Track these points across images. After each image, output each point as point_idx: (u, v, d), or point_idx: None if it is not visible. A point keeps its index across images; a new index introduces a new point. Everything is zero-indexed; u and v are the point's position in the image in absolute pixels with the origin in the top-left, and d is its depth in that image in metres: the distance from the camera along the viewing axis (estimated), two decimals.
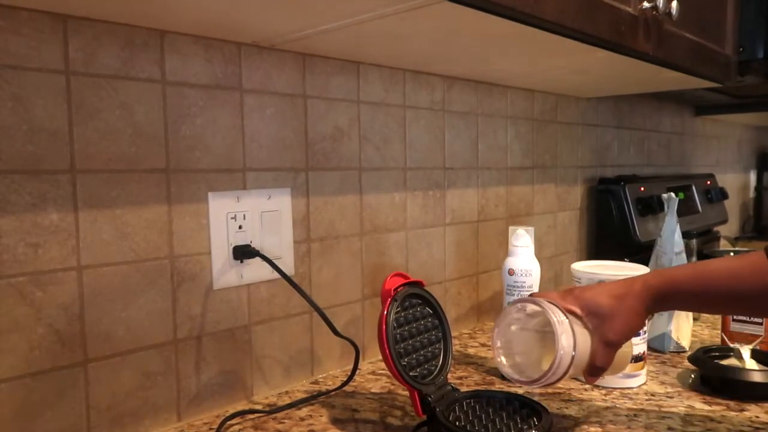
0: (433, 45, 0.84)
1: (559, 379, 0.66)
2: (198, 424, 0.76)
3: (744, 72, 1.28)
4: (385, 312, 0.71)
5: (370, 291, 1.00)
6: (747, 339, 0.96)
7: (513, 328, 0.72)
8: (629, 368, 0.85)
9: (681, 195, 1.74)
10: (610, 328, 0.66)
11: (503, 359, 0.70)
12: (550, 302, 0.67)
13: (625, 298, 0.67)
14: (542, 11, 0.69)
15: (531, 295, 0.72)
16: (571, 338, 0.65)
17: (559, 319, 0.65)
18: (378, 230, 1.00)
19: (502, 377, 0.90)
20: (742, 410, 0.78)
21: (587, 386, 0.86)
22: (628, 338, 0.68)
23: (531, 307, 0.69)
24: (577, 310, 0.68)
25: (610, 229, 1.52)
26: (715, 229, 1.94)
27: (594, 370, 0.68)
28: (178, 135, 0.74)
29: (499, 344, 0.71)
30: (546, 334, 0.68)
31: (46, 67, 0.64)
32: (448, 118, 1.12)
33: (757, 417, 0.76)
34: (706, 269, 0.66)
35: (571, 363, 0.65)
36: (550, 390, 0.85)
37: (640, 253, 1.40)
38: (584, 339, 0.66)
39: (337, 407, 0.81)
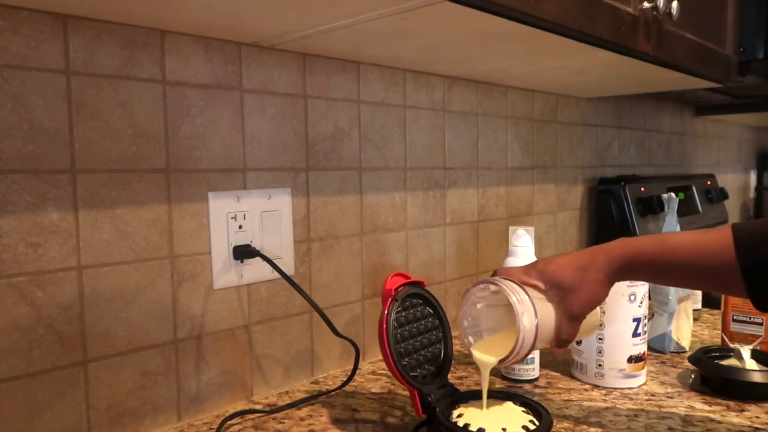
0: (434, 45, 0.84)
1: (525, 356, 0.66)
2: (198, 424, 0.76)
3: (744, 72, 1.27)
4: (386, 312, 0.71)
5: (370, 291, 1.00)
6: (747, 339, 0.96)
7: (479, 306, 0.72)
8: (630, 368, 0.85)
9: (681, 195, 1.74)
10: (573, 301, 0.66)
11: (470, 339, 0.71)
12: (510, 281, 0.67)
13: (588, 270, 0.67)
14: (542, 11, 0.69)
15: (494, 273, 0.72)
16: (533, 317, 0.65)
17: (519, 299, 0.65)
18: (378, 230, 1.00)
19: (502, 377, 0.90)
20: (742, 410, 0.78)
21: (587, 386, 0.86)
22: (591, 309, 0.68)
23: (493, 286, 0.69)
24: (540, 285, 0.68)
25: (611, 229, 1.52)
26: None
27: (560, 342, 0.68)
28: (179, 135, 0.74)
29: (465, 324, 0.71)
30: (511, 307, 0.68)
31: (47, 67, 0.64)
32: (448, 118, 1.12)
33: (757, 417, 0.76)
34: (672, 242, 0.66)
35: (534, 340, 0.65)
36: (550, 390, 0.85)
37: None
38: (548, 313, 0.67)
39: (337, 407, 0.81)
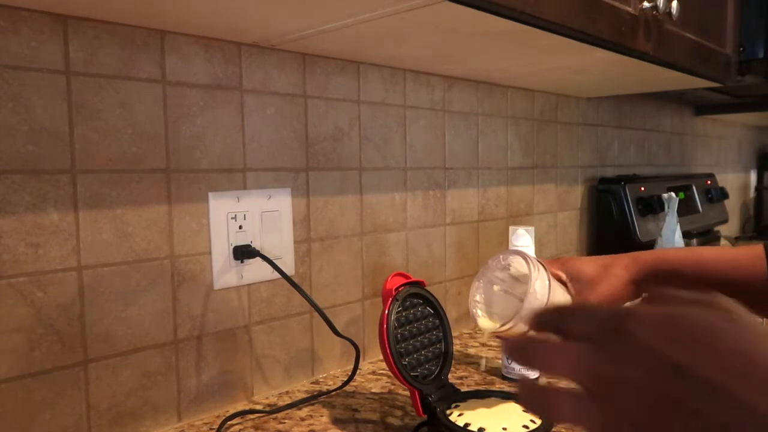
0: (434, 45, 0.84)
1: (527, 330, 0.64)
2: (198, 425, 0.76)
3: (744, 72, 1.28)
4: (386, 311, 0.71)
5: (371, 291, 1.00)
6: None
7: (496, 288, 0.70)
8: None
9: (681, 195, 1.74)
10: (591, 292, 0.65)
11: (478, 311, 0.69)
12: (537, 259, 0.66)
13: (612, 268, 0.66)
14: (543, 11, 0.69)
15: None
16: (546, 287, 0.63)
17: (537, 267, 0.63)
18: (378, 230, 1.00)
19: (503, 377, 0.90)
20: None
21: None
22: (611, 304, 0.66)
23: (515, 264, 0.67)
24: (562, 275, 0.67)
25: (611, 229, 1.52)
26: (716, 228, 1.94)
27: None
28: (179, 135, 0.74)
29: (477, 298, 0.69)
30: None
31: (47, 67, 0.64)
32: (448, 118, 1.12)
33: None
34: (702, 253, 0.65)
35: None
36: None
37: None
38: (563, 298, 0.65)
39: (337, 407, 0.81)
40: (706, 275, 0.63)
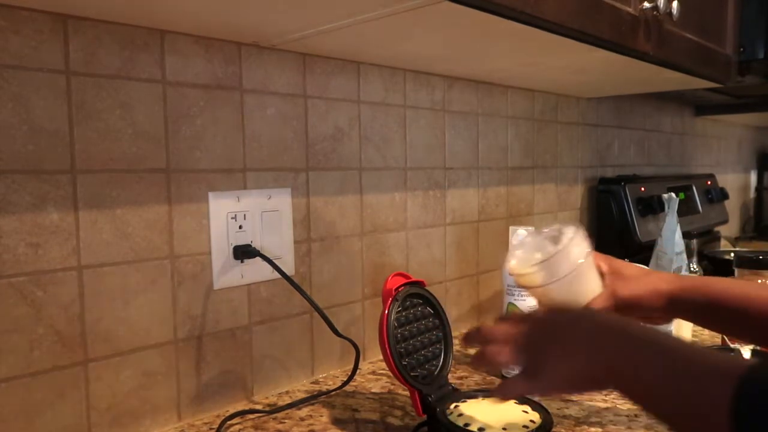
0: (433, 45, 0.84)
1: (548, 282, 0.63)
2: (198, 424, 0.76)
3: (744, 72, 1.28)
4: (386, 311, 0.71)
5: (371, 291, 0.99)
6: None
7: (538, 255, 0.68)
8: None
9: (681, 195, 1.74)
10: (624, 286, 0.66)
11: (513, 260, 0.68)
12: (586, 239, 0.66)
13: (652, 275, 0.67)
14: (543, 11, 0.69)
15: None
16: (582, 254, 0.63)
17: (581, 237, 0.64)
18: (378, 230, 1.00)
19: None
20: None
21: None
22: (636, 304, 0.66)
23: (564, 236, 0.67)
24: (603, 267, 0.67)
25: (611, 229, 1.52)
26: (716, 229, 1.94)
27: None
28: (179, 135, 0.74)
29: (518, 253, 0.68)
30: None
31: (47, 67, 0.64)
32: (448, 118, 1.12)
33: None
34: (748, 288, 0.63)
35: (569, 273, 0.63)
36: None
37: (641, 253, 1.40)
38: (592, 279, 0.65)
39: (337, 407, 0.81)
40: (750, 311, 0.62)
